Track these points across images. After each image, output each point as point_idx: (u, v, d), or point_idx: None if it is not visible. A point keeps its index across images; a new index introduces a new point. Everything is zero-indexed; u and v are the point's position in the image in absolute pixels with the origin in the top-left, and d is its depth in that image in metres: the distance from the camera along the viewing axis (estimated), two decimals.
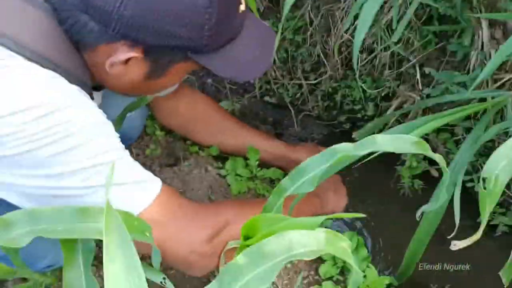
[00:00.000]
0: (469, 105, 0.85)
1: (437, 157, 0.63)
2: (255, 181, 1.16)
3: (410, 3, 1.07)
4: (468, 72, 1.06)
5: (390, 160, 1.37)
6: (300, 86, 1.44)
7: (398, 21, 0.98)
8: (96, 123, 0.68)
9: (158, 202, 0.73)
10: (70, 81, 0.67)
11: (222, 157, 1.22)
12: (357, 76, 1.27)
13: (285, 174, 1.32)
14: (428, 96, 1.10)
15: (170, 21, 0.65)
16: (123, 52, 0.68)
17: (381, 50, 1.14)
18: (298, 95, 1.46)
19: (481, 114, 1.00)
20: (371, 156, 0.74)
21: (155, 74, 0.74)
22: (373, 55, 1.19)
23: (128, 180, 0.70)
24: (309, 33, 1.34)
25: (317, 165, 0.66)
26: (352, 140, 1.48)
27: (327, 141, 1.52)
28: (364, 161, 0.80)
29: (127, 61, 0.70)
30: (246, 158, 1.20)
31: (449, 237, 0.96)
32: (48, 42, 0.67)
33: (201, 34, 0.68)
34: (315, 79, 1.40)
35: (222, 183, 1.11)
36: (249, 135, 1.19)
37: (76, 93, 0.67)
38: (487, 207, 0.61)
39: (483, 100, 0.97)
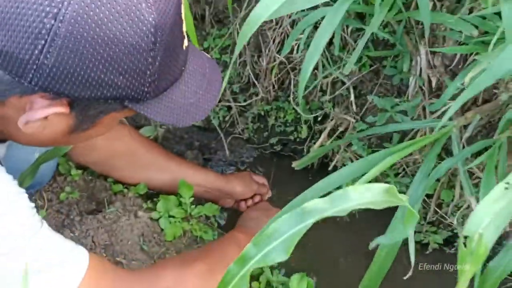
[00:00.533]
0: (419, 139, 0.82)
1: (404, 198, 0.58)
2: (191, 222, 1.05)
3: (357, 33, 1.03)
4: (406, 97, 1.05)
5: None
6: (229, 108, 1.35)
7: (340, 49, 0.93)
8: (6, 201, 0.55)
9: (87, 281, 0.64)
10: None
11: (151, 195, 1.10)
12: (291, 99, 1.21)
13: (222, 209, 1.24)
14: (370, 124, 1.06)
15: (105, 69, 0.53)
16: (42, 108, 0.55)
17: (323, 77, 1.08)
18: (227, 117, 1.37)
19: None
20: None
21: (81, 127, 0.61)
22: (312, 85, 1.14)
23: (46, 265, 0.61)
24: (237, 52, 1.25)
25: (287, 227, 0.57)
26: (281, 161, 1.47)
27: (258, 164, 1.45)
28: None
29: (46, 116, 0.56)
30: (177, 194, 1.09)
31: (405, 277, 0.94)
32: None
33: (142, 81, 0.57)
34: (245, 100, 1.32)
35: (155, 228, 0.99)
36: (177, 168, 1.10)
37: None
38: (467, 270, 0.57)
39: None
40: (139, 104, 0.59)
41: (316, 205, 0.56)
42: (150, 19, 0.53)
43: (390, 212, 1.30)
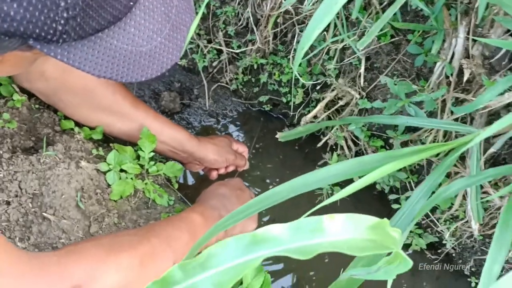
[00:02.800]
0: (432, 145, 0.65)
1: (397, 234, 0.43)
2: (145, 180, 0.89)
3: None
4: (427, 84, 0.87)
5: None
6: (219, 52, 1.16)
7: (360, 10, 0.73)
8: None
9: None
10: None
11: (104, 140, 0.93)
12: (291, 57, 1.02)
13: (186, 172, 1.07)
14: (376, 109, 0.89)
15: None
16: None
17: (331, 42, 0.89)
18: (215, 62, 1.18)
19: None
20: None
21: None
22: (319, 47, 0.94)
23: None
24: None
25: (229, 257, 0.41)
26: (268, 121, 1.30)
27: (241, 121, 1.28)
28: None
29: None
30: (136, 145, 0.92)
31: None
32: None
33: (51, 14, 0.39)
34: (239, 47, 1.12)
35: (100, 183, 0.83)
36: (143, 118, 0.91)
37: None
38: None
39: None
40: (52, 46, 0.41)
41: (272, 234, 0.41)
42: None
43: (372, 202, 1.19)
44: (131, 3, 0.45)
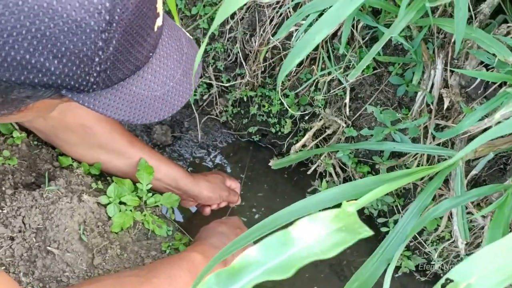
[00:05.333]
0: (418, 169, 0.70)
1: (353, 208, 0.45)
2: (144, 212, 0.92)
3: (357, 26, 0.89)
4: (410, 113, 0.92)
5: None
6: (209, 86, 1.20)
7: (346, 49, 0.79)
8: None
9: None
10: None
11: (104, 176, 0.96)
12: (279, 90, 1.07)
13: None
14: (362, 136, 0.94)
15: (32, 49, 0.39)
16: None
17: (320, 75, 0.94)
18: (206, 96, 1.22)
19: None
20: None
21: (0, 112, 0.46)
22: (309, 80, 1.00)
23: None
24: (228, 26, 1.10)
25: None
26: (257, 151, 1.34)
27: (231, 151, 1.32)
28: None
29: None
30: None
31: None
32: None
33: (87, 69, 0.43)
34: (228, 80, 1.17)
35: (101, 216, 0.85)
36: (139, 156, 0.94)
37: None
38: None
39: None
40: (82, 95, 0.45)
41: (248, 260, 0.41)
42: None
43: (365, 219, 1.23)
44: (151, 54, 0.49)
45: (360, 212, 1.19)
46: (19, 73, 0.41)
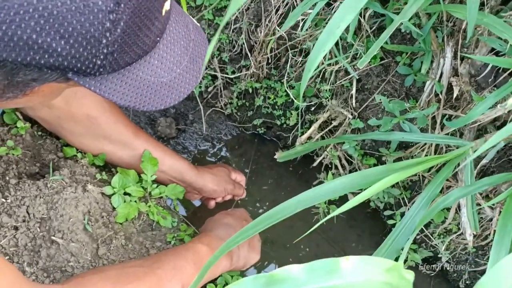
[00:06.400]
0: (428, 158, 0.69)
1: (411, 276, 0.45)
2: (149, 203, 0.91)
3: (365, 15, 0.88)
4: (418, 103, 0.91)
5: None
6: (214, 78, 1.19)
7: (354, 38, 0.78)
8: None
9: None
10: None
11: (108, 167, 0.95)
12: (285, 81, 1.06)
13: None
14: (370, 127, 0.93)
15: (39, 28, 0.38)
16: None
17: (328, 65, 0.93)
18: (210, 88, 1.21)
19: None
20: None
21: (6, 94, 0.45)
22: (317, 70, 0.98)
23: None
24: (234, 17, 1.09)
25: None
26: (262, 144, 1.33)
27: (236, 144, 1.31)
28: None
29: None
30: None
31: None
32: None
33: (94, 51, 0.42)
34: (233, 72, 1.16)
35: (105, 207, 0.84)
36: (143, 148, 0.93)
37: None
38: None
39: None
40: (88, 78, 0.44)
41: (289, 275, 0.42)
42: None
43: (366, 220, 1.22)
44: (158, 39, 0.48)
45: (366, 206, 1.18)
46: (25, 53, 0.40)
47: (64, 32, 0.40)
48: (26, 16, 0.37)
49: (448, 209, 0.96)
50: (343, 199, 1.18)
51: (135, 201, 0.89)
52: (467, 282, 1.12)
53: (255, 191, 1.25)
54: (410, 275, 0.38)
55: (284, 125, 1.21)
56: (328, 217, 0.61)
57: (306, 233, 0.69)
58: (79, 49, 0.42)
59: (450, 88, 0.85)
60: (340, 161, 1.13)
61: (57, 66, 0.42)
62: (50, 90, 0.48)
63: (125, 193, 0.88)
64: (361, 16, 0.89)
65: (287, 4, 1.00)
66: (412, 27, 0.75)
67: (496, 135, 0.51)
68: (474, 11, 0.58)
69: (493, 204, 0.75)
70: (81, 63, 0.43)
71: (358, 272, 0.40)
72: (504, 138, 0.74)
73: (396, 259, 0.71)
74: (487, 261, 1.01)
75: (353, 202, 0.61)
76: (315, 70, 1.00)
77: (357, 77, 1.01)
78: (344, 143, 1.03)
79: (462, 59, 0.79)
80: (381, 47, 0.94)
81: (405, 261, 1.17)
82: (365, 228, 1.23)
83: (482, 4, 0.73)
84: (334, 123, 1.10)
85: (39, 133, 0.93)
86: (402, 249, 0.70)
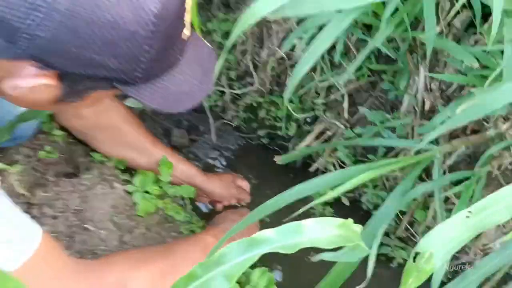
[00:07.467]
0: (401, 158, 0.83)
1: (358, 229, 0.57)
2: (165, 200, 1.05)
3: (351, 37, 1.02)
4: (398, 114, 1.05)
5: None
6: (222, 93, 1.34)
7: (341, 56, 0.93)
8: None
9: (31, 263, 0.65)
10: None
11: (129, 169, 1.09)
12: (286, 101, 1.21)
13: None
14: (358, 135, 1.07)
15: (98, 50, 0.52)
16: (30, 76, 0.54)
17: (319, 81, 1.08)
18: (219, 102, 1.36)
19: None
20: None
21: (67, 99, 0.60)
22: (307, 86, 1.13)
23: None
24: (240, 40, 1.24)
25: (233, 255, 0.55)
26: (266, 153, 1.47)
27: (242, 153, 1.45)
28: None
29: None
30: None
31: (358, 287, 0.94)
32: None
33: (134, 66, 0.56)
34: (240, 88, 1.31)
35: (128, 202, 0.98)
36: (159, 155, 1.08)
37: None
38: (411, 282, 0.58)
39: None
40: (128, 86, 0.59)
41: (264, 237, 0.55)
42: (153, 8, 0.52)
43: (361, 223, 1.34)
44: (179, 57, 0.63)
45: (359, 208, 1.31)
46: (88, 68, 0.54)
47: (115, 53, 0.54)
48: (91, 42, 0.52)
49: (428, 208, 1.09)
50: (339, 204, 1.32)
51: (153, 198, 1.03)
52: (449, 277, 1.24)
53: (259, 195, 1.38)
54: (358, 228, 0.51)
55: (286, 136, 1.35)
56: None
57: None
58: (125, 65, 0.56)
59: (425, 102, 0.99)
60: (334, 167, 1.26)
61: (108, 78, 0.57)
62: (98, 96, 0.63)
63: (145, 191, 1.03)
64: (348, 39, 1.03)
65: (286, 29, 1.15)
66: (386, 50, 0.89)
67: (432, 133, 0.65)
68: (431, 36, 0.72)
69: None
70: (125, 75, 0.57)
71: (317, 230, 0.52)
72: (464, 143, 0.88)
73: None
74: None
75: (336, 192, 0.75)
76: (309, 86, 1.14)
77: (349, 93, 1.15)
78: (337, 150, 1.17)
79: (432, 77, 0.93)
80: (368, 67, 1.09)
81: (394, 258, 1.29)
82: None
83: (449, 31, 0.87)
84: (329, 133, 1.23)
85: (71, 140, 1.08)
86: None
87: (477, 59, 0.76)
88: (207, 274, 0.55)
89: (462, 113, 0.67)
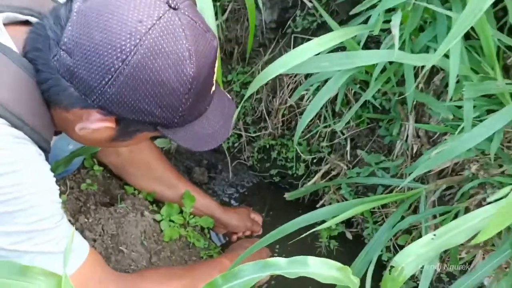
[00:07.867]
0: (390, 195, 0.97)
1: (356, 280, 0.70)
2: (187, 229, 1.20)
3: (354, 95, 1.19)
4: (392, 156, 1.20)
5: None
6: (239, 136, 1.51)
7: (342, 105, 1.09)
8: (44, 190, 0.71)
9: (80, 272, 0.78)
10: (33, 138, 0.69)
11: (157, 201, 1.25)
12: (295, 144, 1.37)
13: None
14: (358, 174, 1.22)
15: (149, 102, 0.69)
16: (96, 121, 0.71)
17: (323, 127, 1.24)
18: (236, 144, 1.53)
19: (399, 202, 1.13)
20: None
21: (120, 139, 0.77)
22: (313, 131, 1.30)
23: (56, 250, 0.73)
24: (255, 90, 1.42)
25: (249, 272, 0.69)
26: (277, 191, 1.62)
27: (256, 190, 1.60)
28: None
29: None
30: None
31: None
32: (20, 97, 0.68)
33: (174, 114, 0.72)
34: (255, 132, 1.48)
35: (156, 229, 1.14)
36: (183, 189, 1.24)
37: (34, 157, 0.70)
38: None
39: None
40: (167, 129, 0.75)
41: (276, 262, 0.69)
42: (191, 72, 0.69)
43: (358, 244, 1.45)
44: (207, 107, 0.79)
45: (362, 242, 1.43)
46: (139, 115, 0.70)
47: (160, 103, 0.70)
48: (144, 96, 0.68)
49: (410, 233, 1.21)
50: (343, 238, 1.44)
51: (177, 226, 1.18)
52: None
53: (270, 228, 1.52)
54: (356, 280, 0.65)
55: (295, 175, 1.50)
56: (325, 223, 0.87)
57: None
58: (167, 113, 0.72)
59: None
60: (338, 203, 1.40)
61: (153, 122, 0.73)
62: (142, 137, 0.79)
63: (170, 220, 1.18)
64: (348, 91, 1.20)
65: (295, 81, 1.33)
66: (376, 104, 1.05)
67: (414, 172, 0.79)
68: (411, 92, 0.88)
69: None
70: (166, 121, 0.73)
71: (319, 267, 0.67)
72: (447, 182, 1.02)
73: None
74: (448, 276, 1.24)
75: (335, 220, 0.89)
76: (314, 131, 1.30)
77: (350, 138, 1.31)
78: (341, 188, 1.32)
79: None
80: (366, 116, 1.25)
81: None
82: None
83: (428, 86, 1.03)
84: (334, 173, 1.38)
85: (108, 174, 1.25)
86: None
87: (452, 112, 0.92)
88: (226, 284, 0.69)
89: (436, 156, 0.82)
